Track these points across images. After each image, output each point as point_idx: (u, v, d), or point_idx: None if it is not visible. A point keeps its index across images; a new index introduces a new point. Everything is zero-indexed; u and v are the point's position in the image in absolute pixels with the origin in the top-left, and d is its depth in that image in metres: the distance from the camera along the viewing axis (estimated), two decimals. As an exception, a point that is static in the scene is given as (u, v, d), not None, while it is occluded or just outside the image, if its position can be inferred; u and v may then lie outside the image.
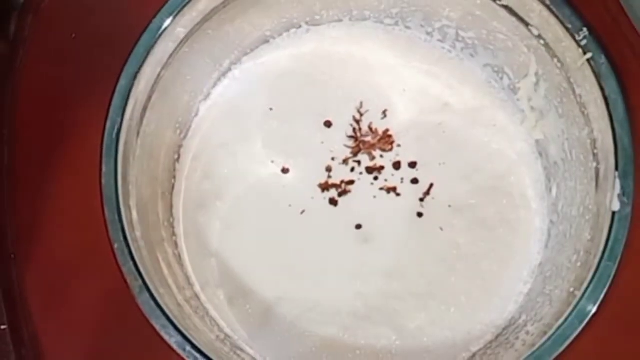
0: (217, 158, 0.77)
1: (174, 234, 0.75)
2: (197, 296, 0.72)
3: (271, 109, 0.79)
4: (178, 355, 0.60)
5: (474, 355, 0.71)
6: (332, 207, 0.76)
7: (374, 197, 0.77)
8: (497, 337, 0.71)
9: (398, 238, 0.75)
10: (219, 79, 0.80)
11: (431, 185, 0.77)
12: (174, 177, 0.77)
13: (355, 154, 0.78)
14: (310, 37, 0.81)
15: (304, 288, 0.73)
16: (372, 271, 0.74)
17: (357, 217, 0.76)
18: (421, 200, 0.77)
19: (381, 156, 0.78)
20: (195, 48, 0.73)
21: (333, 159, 0.78)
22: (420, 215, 0.76)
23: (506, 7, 0.71)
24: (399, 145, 0.78)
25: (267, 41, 0.81)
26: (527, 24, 0.70)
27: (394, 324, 0.72)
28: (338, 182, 0.77)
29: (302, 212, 0.76)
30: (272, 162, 0.77)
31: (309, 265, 0.74)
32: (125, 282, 0.62)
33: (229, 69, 0.80)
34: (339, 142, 0.78)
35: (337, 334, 0.72)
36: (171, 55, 0.70)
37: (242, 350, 0.70)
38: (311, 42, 0.81)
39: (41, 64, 0.69)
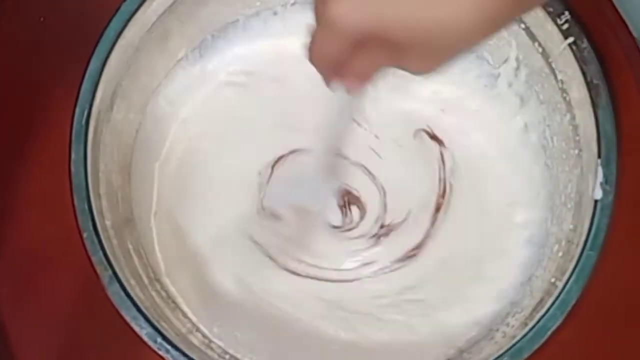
0: (188, 145, 0.75)
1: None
2: (167, 287, 0.70)
3: (246, 94, 0.77)
4: (149, 347, 0.59)
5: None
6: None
7: None
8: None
9: None
10: (190, 64, 0.77)
11: None
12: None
13: None
14: (282, 21, 0.78)
15: (269, 278, 0.72)
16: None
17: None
18: None
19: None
20: (167, 32, 0.71)
21: None
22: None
23: (486, -10, 0.69)
24: (376, 137, 0.76)
25: (240, 25, 0.78)
26: (507, 8, 0.68)
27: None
28: None
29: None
30: (244, 149, 0.75)
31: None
32: (95, 272, 0.60)
33: (201, 54, 0.77)
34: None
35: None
36: (142, 39, 0.68)
37: (212, 342, 0.68)
38: (284, 26, 0.78)
39: (9, 48, 0.67)
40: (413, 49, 0.47)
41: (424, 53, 0.47)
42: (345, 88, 0.53)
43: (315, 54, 0.51)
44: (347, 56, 0.49)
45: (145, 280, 0.66)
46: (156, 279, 0.69)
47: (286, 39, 0.77)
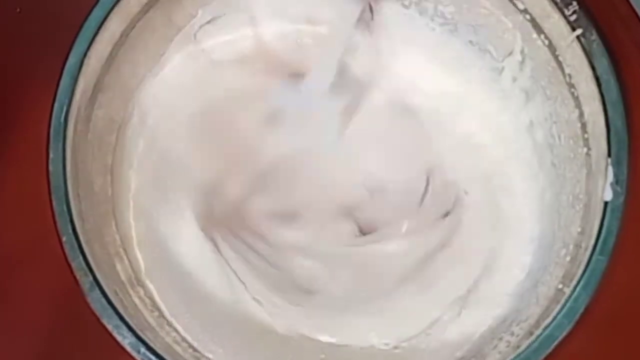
0: (172, 142, 0.73)
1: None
2: (151, 293, 0.68)
3: (234, 90, 0.75)
4: (132, 357, 0.58)
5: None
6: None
7: None
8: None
9: None
10: (175, 57, 0.75)
11: None
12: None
13: None
14: (273, 6, 0.76)
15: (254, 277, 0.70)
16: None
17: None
18: None
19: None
20: (151, 23, 0.69)
21: None
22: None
23: (489, -21, 0.69)
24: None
25: (228, 14, 0.76)
26: (512, -3, 0.68)
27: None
28: None
29: None
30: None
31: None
32: (75, 278, 0.58)
33: (187, 45, 0.75)
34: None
35: None
36: (124, 31, 0.66)
37: (199, 352, 0.67)
38: (275, 15, 0.76)
39: (-17, 42, 0.66)
40: None
41: None
42: None
43: None
44: None
45: (128, 287, 0.65)
46: (139, 284, 0.67)
47: (274, 26, 0.76)
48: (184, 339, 0.67)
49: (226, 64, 0.76)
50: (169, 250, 0.70)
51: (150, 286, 0.68)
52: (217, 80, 0.75)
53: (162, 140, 0.73)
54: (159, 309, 0.67)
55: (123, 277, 0.65)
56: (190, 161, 0.73)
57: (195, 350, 0.66)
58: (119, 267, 0.65)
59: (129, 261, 0.68)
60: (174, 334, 0.66)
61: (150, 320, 0.64)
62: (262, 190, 0.73)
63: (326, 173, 0.74)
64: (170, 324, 0.67)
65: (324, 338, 0.68)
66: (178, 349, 0.64)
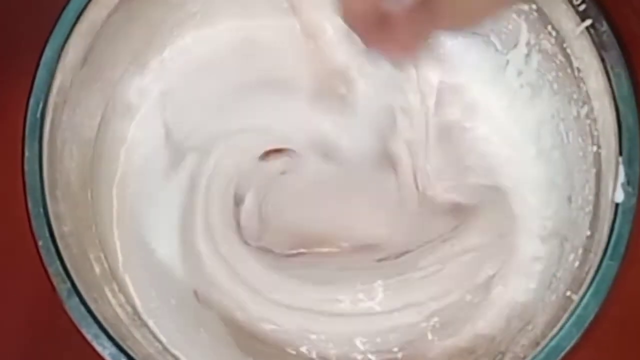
0: (157, 140, 0.72)
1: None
2: (133, 301, 0.67)
3: (224, 85, 0.73)
4: None
5: None
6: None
7: None
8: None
9: None
10: (157, 51, 0.73)
11: None
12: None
13: None
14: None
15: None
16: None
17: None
18: None
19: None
20: (132, 14, 0.67)
21: None
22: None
23: (492, -34, 0.68)
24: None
25: (217, 6, 0.74)
26: (516, -14, 0.67)
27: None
28: None
29: None
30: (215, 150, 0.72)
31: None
32: (52, 284, 0.57)
33: (169, 39, 0.73)
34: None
35: None
36: (104, 22, 0.65)
37: None
38: (267, 8, 0.74)
39: (-45, 34, 0.65)
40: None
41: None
42: (388, 58, 0.57)
43: (347, 10, 0.52)
44: (385, 18, 0.50)
45: (108, 294, 0.63)
46: (120, 291, 0.66)
47: (266, 20, 0.74)
48: (165, 349, 0.65)
49: (213, 57, 0.74)
50: (152, 254, 0.68)
51: (133, 294, 0.67)
52: (204, 74, 0.74)
53: (148, 138, 0.71)
54: (140, 317, 0.66)
55: (103, 283, 0.64)
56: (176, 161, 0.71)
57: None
58: (98, 272, 0.64)
59: (109, 266, 0.66)
60: (156, 344, 0.65)
61: (132, 329, 0.63)
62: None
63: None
64: (152, 333, 0.65)
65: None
66: (160, 359, 0.63)
